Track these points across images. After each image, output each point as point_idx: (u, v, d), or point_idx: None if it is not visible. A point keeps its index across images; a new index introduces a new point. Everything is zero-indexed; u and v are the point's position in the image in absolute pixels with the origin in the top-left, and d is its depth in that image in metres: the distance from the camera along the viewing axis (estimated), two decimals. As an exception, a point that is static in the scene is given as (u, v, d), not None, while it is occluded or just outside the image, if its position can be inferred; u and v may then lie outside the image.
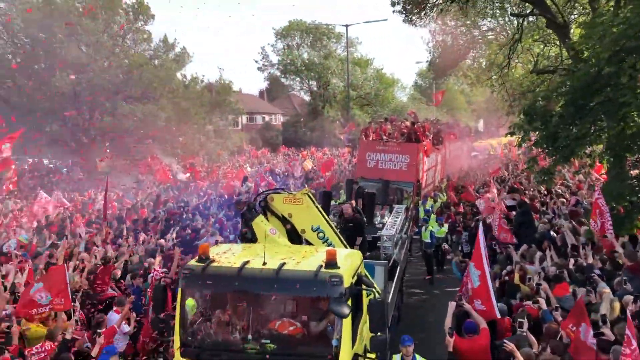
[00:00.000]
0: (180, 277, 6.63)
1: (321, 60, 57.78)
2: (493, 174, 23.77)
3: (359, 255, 7.46)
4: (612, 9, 13.09)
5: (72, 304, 8.78)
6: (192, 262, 6.64)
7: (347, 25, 42.50)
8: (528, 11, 18.30)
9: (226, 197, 21.02)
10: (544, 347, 6.73)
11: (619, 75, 10.15)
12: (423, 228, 16.52)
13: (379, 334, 6.45)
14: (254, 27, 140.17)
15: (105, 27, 29.59)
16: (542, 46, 22.47)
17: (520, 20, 19.99)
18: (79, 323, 8.71)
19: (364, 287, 6.80)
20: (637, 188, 12.00)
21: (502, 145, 35.88)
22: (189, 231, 15.20)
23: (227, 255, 6.78)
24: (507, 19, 25.58)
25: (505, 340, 6.88)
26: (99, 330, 7.98)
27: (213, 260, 6.50)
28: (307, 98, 64.65)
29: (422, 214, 18.30)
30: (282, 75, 63.32)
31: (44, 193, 20.45)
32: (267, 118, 65.16)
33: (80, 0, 29.61)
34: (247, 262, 6.38)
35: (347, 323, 6.06)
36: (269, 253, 6.57)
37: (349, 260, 6.80)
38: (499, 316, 8.26)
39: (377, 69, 63.11)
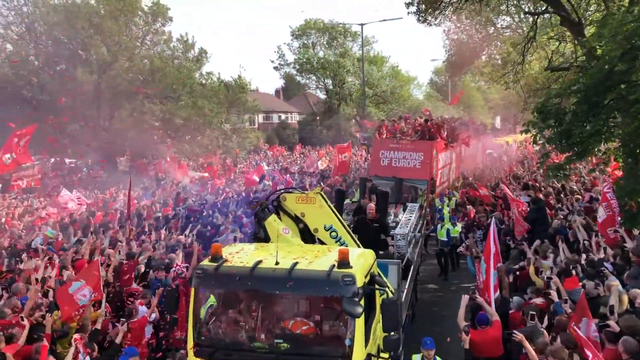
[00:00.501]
0: (193, 277, 6.67)
1: (337, 58, 57.98)
2: (510, 172, 23.79)
3: (372, 255, 7.49)
4: (624, 6, 13.14)
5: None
6: (205, 262, 6.69)
7: (362, 24, 42.68)
8: (542, 9, 18.40)
9: (244, 194, 21.39)
10: (554, 337, 6.93)
11: (630, 73, 10.25)
12: (439, 226, 16.44)
13: (392, 333, 6.49)
14: (269, 26, 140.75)
15: (125, 28, 30.11)
16: (557, 43, 22.47)
17: (535, 18, 20.02)
18: (107, 314, 9.10)
19: (377, 286, 6.73)
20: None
21: (517, 142, 35.79)
22: (209, 228, 15.61)
23: (240, 255, 6.84)
24: (521, 16, 25.56)
25: (514, 331, 7.12)
26: (123, 319, 8.42)
27: (226, 260, 6.55)
28: (322, 96, 64.96)
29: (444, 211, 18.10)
30: (298, 74, 63.75)
31: (67, 191, 20.94)
32: (283, 116, 65.42)
33: (101, 2, 30.13)
34: (260, 261, 6.41)
35: (359, 323, 6.07)
36: (282, 253, 6.64)
37: (362, 260, 6.82)
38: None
39: (393, 66, 63.24)
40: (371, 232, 10.61)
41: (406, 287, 10.22)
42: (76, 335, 7.63)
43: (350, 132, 55.00)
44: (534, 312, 7.82)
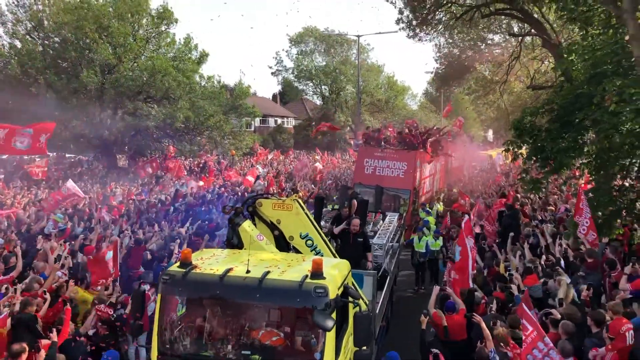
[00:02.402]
0: (159, 283, 6.44)
1: (337, 65, 59.26)
2: (490, 185, 24.75)
3: (347, 265, 7.34)
4: (595, 34, 14.23)
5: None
6: (173, 268, 6.46)
7: (358, 36, 43.91)
8: (526, 31, 19.68)
9: (239, 194, 22.44)
10: (503, 321, 8.08)
11: (592, 96, 11.40)
12: (417, 237, 15.97)
13: (364, 348, 6.40)
14: (268, 32, 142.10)
15: (132, 30, 31.02)
16: (539, 63, 23.72)
17: (520, 39, 21.26)
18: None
19: (350, 299, 6.50)
20: (615, 198, 13.24)
21: (503, 155, 36.76)
22: (206, 223, 16.66)
23: (210, 262, 6.65)
24: (507, 37, 26.71)
25: (474, 314, 8.26)
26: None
27: (195, 267, 6.36)
28: (319, 103, 66.23)
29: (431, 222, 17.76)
30: (296, 80, 64.97)
31: (72, 182, 21.80)
32: (279, 121, 66.52)
33: (111, 3, 31.09)
34: (230, 269, 6.24)
35: (330, 336, 5.95)
36: (254, 260, 6.48)
37: (336, 271, 6.69)
38: (471, 285, 9.74)
39: (389, 76, 64.58)
40: (356, 247, 10.50)
41: (381, 298, 10.22)
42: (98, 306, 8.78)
43: (344, 139, 56.27)
44: (492, 305, 9.01)
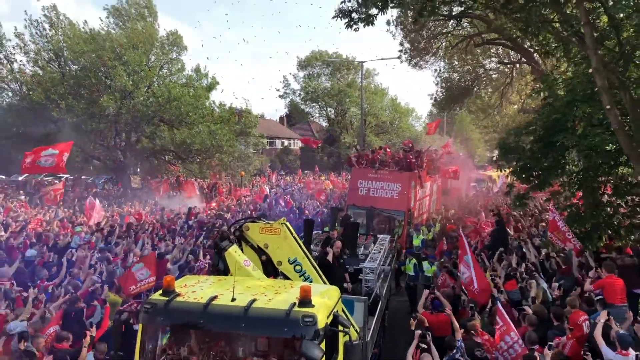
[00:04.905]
0: (141, 312, 6.22)
1: (342, 88, 60.93)
2: (486, 204, 25.71)
3: (337, 292, 7.05)
4: (574, 62, 15.50)
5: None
6: (155, 296, 6.26)
7: (362, 62, 45.42)
8: (516, 59, 21.11)
9: (249, 212, 23.79)
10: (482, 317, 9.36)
11: (567, 120, 12.66)
12: (407, 260, 15.52)
13: None
14: (275, 56, 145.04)
15: (145, 58, 32.78)
16: (530, 88, 25.08)
17: (511, 66, 22.67)
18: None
19: (340, 327, 6.22)
20: (594, 213, 14.39)
21: (504, 176, 37.76)
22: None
23: (195, 289, 6.41)
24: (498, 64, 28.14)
25: (447, 308, 9.55)
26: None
27: (178, 295, 6.12)
28: (325, 124, 67.85)
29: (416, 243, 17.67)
30: (302, 102, 66.72)
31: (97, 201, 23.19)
32: (286, 142, 68.15)
33: (124, 34, 32.94)
34: (215, 297, 6.00)
35: None
36: (240, 288, 6.29)
37: (325, 298, 6.47)
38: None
39: (392, 99, 66.15)
40: (338, 268, 10.47)
41: (373, 324, 10.06)
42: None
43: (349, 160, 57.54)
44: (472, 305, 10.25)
